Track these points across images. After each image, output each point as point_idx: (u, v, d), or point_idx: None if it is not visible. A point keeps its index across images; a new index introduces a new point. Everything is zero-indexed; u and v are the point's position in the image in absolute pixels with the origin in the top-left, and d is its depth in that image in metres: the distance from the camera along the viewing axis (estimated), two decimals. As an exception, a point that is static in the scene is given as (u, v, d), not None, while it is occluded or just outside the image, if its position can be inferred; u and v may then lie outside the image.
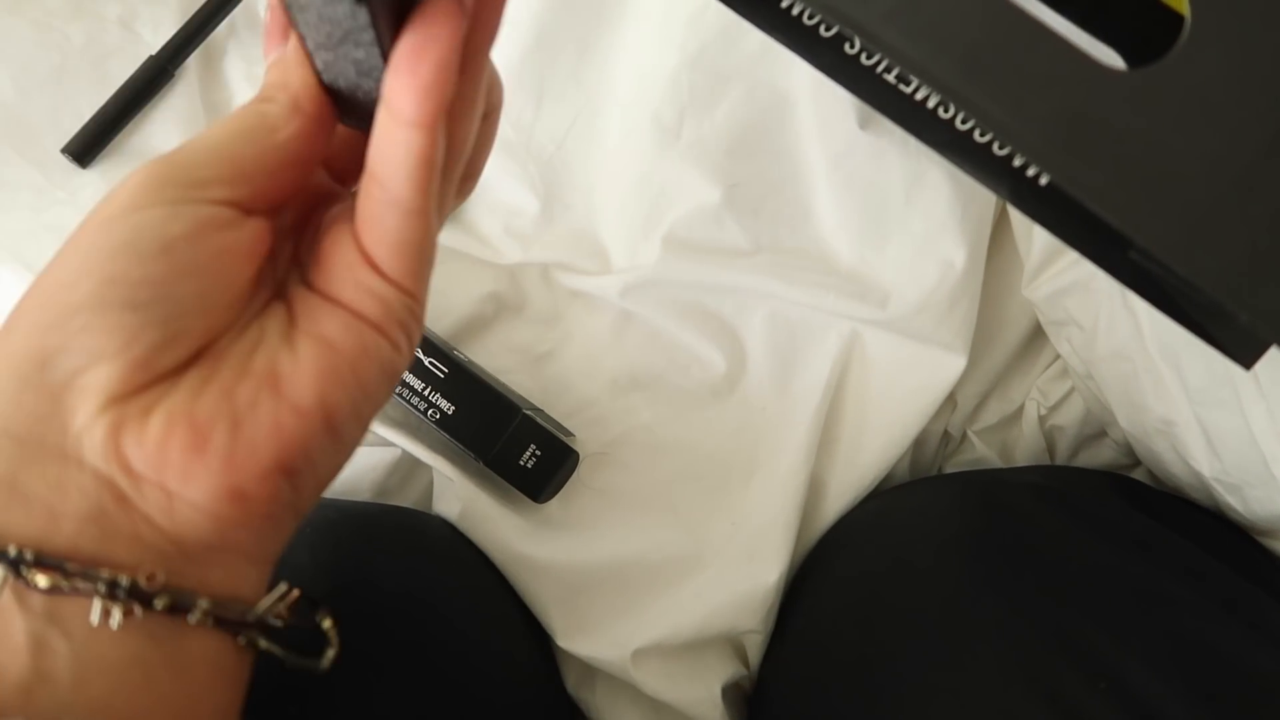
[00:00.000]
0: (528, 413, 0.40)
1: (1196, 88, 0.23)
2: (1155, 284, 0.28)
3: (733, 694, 0.40)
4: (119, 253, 0.20)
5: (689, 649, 0.39)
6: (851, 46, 0.30)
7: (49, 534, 0.19)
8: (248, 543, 0.22)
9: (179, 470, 0.20)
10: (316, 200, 0.24)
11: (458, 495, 0.40)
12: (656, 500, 0.41)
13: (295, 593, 0.23)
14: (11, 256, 0.41)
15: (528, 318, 0.44)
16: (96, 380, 0.19)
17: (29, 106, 0.43)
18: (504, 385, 0.41)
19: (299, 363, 0.21)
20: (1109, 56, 0.28)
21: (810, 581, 0.39)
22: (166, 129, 0.44)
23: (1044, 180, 0.29)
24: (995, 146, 0.30)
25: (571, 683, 0.41)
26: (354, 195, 0.22)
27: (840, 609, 0.36)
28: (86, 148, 0.43)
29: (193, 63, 0.45)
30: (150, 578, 0.20)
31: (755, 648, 0.40)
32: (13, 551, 0.19)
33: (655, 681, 0.38)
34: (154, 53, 0.44)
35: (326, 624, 0.24)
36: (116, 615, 0.19)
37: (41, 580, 0.19)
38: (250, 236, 0.21)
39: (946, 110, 0.30)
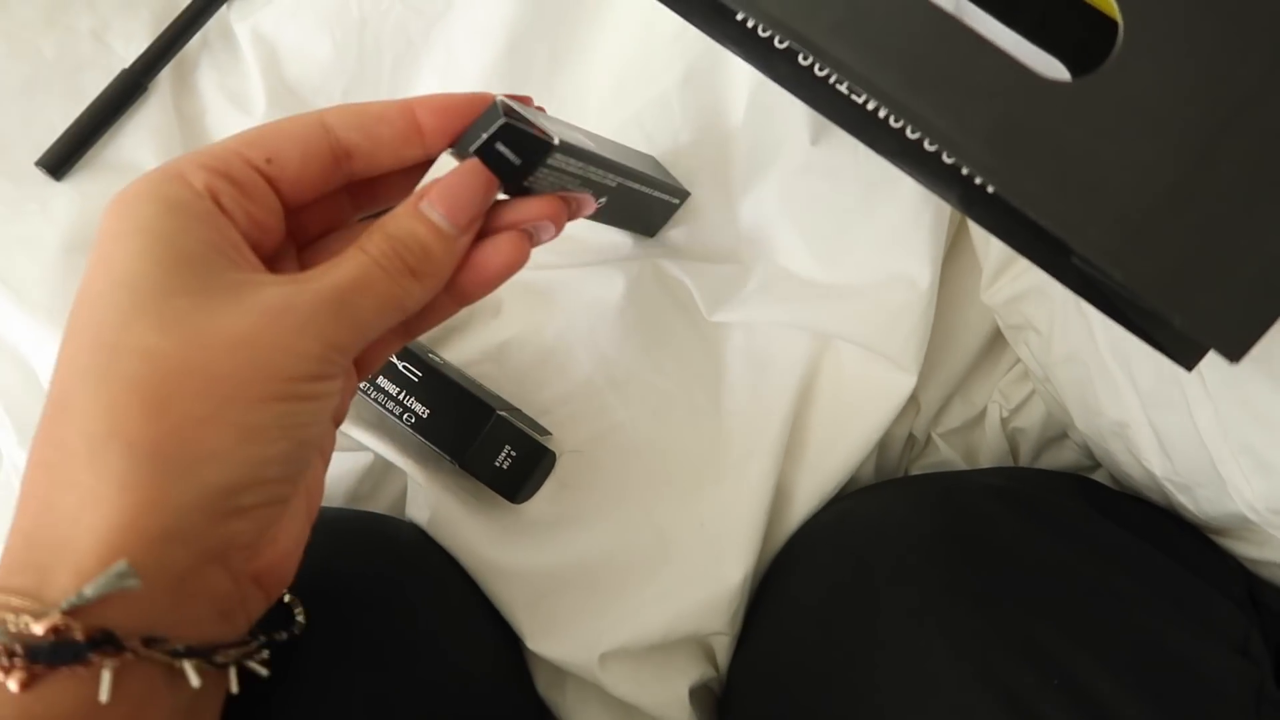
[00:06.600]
0: (502, 414, 0.40)
1: (1130, 98, 0.24)
2: (1099, 289, 0.28)
3: (701, 695, 0.41)
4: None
5: (656, 651, 0.40)
6: (805, 58, 0.30)
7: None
8: None
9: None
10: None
11: (427, 501, 0.40)
12: (628, 501, 0.41)
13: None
14: (-17, 268, 0.41)
15: (504, 319, 0.44)
16: None
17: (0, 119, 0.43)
18: (479, 386, 0.42)
19: None
20: (1058, 68, 0.29)
21: (776, 584, 0.40)
22: (140, 142, 0.44)
23: (991, 188, 0.29)
24: (944, 155, 0.30)
25: (542, 685, 0.41)
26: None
27: (805, 611, 0.37)
28: (60, 160, 0.43)
29: (166, 75, 0.45)
30: None
31: (723, 649, 0.41)
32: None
33: (623, 684, 0.39)
34: (127, 65, 0.44)
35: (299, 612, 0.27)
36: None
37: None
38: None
39: (896, 120, 0.31)
